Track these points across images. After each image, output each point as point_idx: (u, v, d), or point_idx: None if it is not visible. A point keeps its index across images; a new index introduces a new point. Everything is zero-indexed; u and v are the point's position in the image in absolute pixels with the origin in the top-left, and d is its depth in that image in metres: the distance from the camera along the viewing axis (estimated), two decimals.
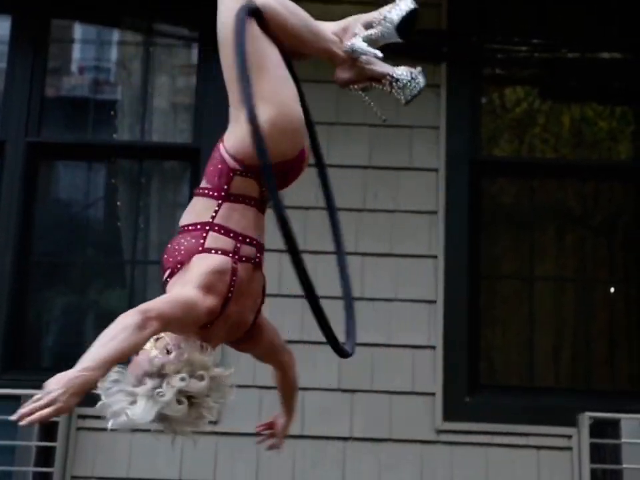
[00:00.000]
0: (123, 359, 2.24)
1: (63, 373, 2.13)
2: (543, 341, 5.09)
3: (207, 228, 2.52)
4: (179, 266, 2.49)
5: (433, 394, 4.67)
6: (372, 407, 4.66)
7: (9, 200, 4.94)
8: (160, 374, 2.32)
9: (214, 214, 2.54)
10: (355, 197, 4.88)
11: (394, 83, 2.70)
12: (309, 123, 2.81)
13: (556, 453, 4.60)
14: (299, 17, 2.66)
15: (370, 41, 2.73)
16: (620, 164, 5.38)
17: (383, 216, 4.86)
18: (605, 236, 5.33)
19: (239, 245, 2.52)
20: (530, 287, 5.15)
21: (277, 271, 4.59)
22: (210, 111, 4.97)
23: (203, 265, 2.45)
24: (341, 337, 2.61)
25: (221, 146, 2.60)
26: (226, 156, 2.57)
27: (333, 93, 4.93)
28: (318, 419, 4.60)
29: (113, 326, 2.27)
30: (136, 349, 2.28)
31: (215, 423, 4.61)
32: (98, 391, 2.32)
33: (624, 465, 4.42)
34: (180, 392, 2.31)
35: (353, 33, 2.77)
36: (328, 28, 2.77)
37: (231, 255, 2.50)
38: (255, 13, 2.54)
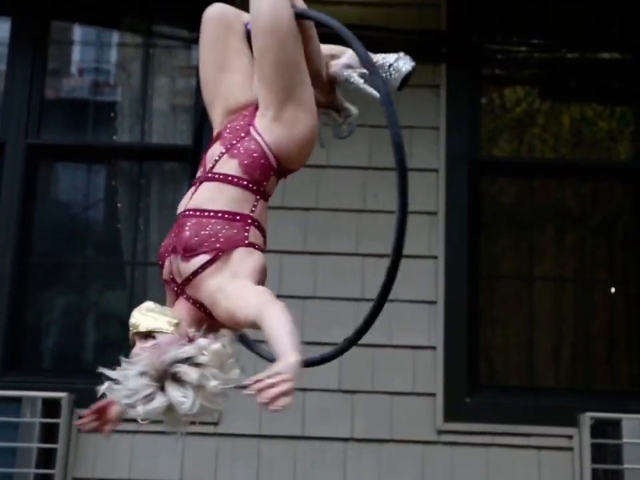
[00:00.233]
0: None
1: (285, 361, 2.09)
2: (543, 341, 5.09)
3: (249, 222, 2.53)
4: (219, 254, 2.45)
5: (434, 394, 4.67)
6: (372, 408, 4.66)
7: (9, 201, 4.94)
8: (194, 363, 2.29)
9: (253, 209, 2.56)
10: (355, 197, 4.88)
11: (346, 118, 2.93)
12: None
13: (557, 453, 4.60)
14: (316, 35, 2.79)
15: (364, 80, 2.83)
16: (619, 164, 5.38)
17: (383, 217, 4.85)
18: (605, 236, 5.33)
19: (265, 242, 2.59)
20: (530, 287, 5.15)
21: (277, 270, 4.60)
22: None
23: (251, 262, 2.45)
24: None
25: (259, 138, 2.62)
26: (269, 153, 2.60)
27: None
28: (318, 419, 4.60)
29: (274, 316, 2.23)
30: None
31: (215, 424, 4.62)
32: (111, 375, 2.31)
33: (625, 465, 4.42)
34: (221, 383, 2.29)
35: (345, 64, 2.79)
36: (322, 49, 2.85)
37: (263, 251, 2.55)
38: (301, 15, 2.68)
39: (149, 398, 2.31)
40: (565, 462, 4.58)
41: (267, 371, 2.05)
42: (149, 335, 2.38)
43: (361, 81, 2.80)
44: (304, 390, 4.49)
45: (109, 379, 2.33)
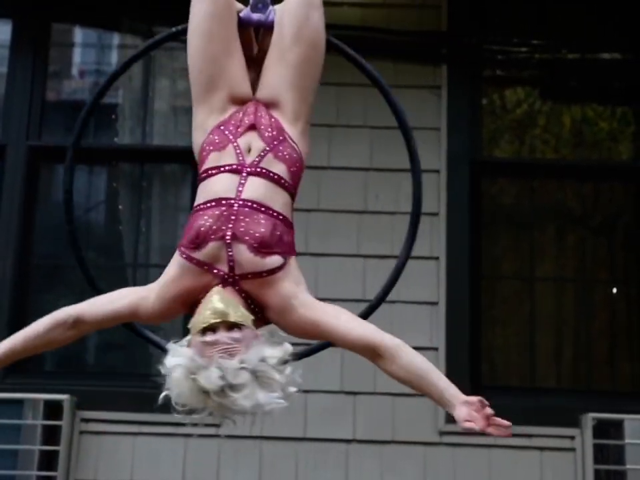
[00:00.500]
0: None
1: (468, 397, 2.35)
2: (544, 342, 5.09)
3: (293, 230, 2.56)
4: (288, 258, 2.47)
5: None
6: (374, 409, 4.66)
7: (10, 203, 4.95)
8: (276, 365, 2.33)
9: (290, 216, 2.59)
10: (356, 198, 4.88)
11: None
12: None
13: (559, 454, 4.60)
14: None
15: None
16: (620, 164, 5.38)
17: (384, 218, 4.86)
18: (606, 236, 5.33)
19: None
20: (531, 288, 5.16)
21: None
22: None
23: (301, 273, 2.50)
24: None
25: (297, 148, 2.63)
26: (303, 166, 2.65)
27: (334, 95, 4.95)
28: (320, 420, 4.60)
29: (415, 352, 2.47)
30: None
31: (217, 426, 4.61)
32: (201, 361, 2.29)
33: (627, 466, 4.42)
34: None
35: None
36: None
37: None
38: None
39: (250, 394, 2.31)
40: (567, 463, 4.58)
41: (471, 407, 2.31)
42: (234, 325, 2.33)
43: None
44: (306, 391, 4.49)
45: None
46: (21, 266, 4.93)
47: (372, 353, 2.49)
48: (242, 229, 2.43)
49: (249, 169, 2.53)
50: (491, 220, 5.21)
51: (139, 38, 5.39)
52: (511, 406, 4.69)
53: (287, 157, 2.58)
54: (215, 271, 2.43)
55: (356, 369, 4.55)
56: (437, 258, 4.83)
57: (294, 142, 2.62)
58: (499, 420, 2.19)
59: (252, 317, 2.37)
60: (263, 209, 2.47)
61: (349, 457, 4.62)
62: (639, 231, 5.20)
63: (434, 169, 4.92)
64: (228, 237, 2.42)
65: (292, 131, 2.64)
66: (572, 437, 4.60)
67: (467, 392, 4.96)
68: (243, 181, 2.51)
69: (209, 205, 2.48)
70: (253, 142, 2.58)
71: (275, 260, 2.44)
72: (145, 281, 5.17)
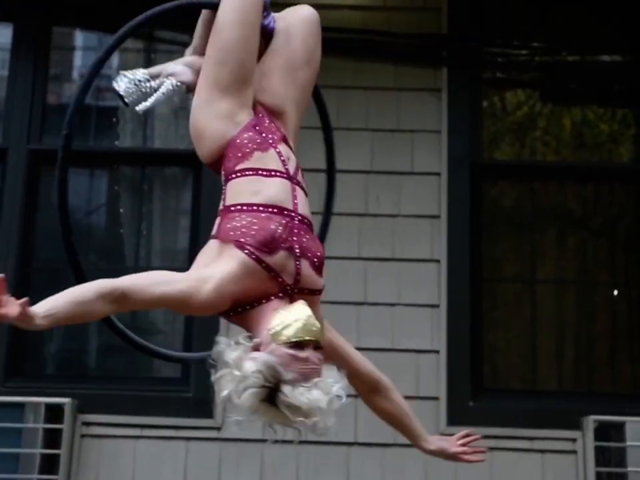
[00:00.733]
0: None
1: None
2: (545, 344, 5.09)
3: None
4: None
5: (437, 398, 4.67)
6: None
7: (11, 207, 4.95)
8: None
9: None
10: (357, 201, 4.88)
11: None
12: None
13: (560, 457, 4.60)
14: None
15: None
16: (621, 166, 5.38)
17: (385, 220, 4.86)
18: (606, 238, 5.33)
19: None
20: (532, 290, 5.16)
21: None
22: None
23: None
24: None
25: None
26: None
27: (334, 98, 4.95)
28: None
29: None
30: None
31: (218, 429, 4.62)
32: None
33: (629, 468, 4.42)
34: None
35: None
36: None
37: None
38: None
39: (329, 417, 2.35)
40: (568, 465, 4.58)
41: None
42: (319, 346, 2.38)
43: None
44: None
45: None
46: (22, 269, 4.93)
47: (373, 385, 2.77)
48: (304, 245, 2.48)
49: (294, 180, 2.58)
50: (492, 222, 5.21)
51: (139, 41, 5.40)
52: (512, 408, 4.70)
53: (303, 183, 2.65)
54: (280, 280, 2.44)
55: None
56: (437, 261, 4.83)
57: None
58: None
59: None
60: (311, 228, 2.56)
61: (350, 459, 4.61)
62: None
63: (434, 171, 4.92)
64: (297, 250, 2.46)
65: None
66: (573, 440, 4.60)
67: (468, 394, 4.98)
68: (295, 193, 2.56)
69: (271, 210, 2.48)
70: (290, 153, 2.64)
71: (322, 281, 2.52)
72: None
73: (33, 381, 4.78)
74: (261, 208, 2.49)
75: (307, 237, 2.50)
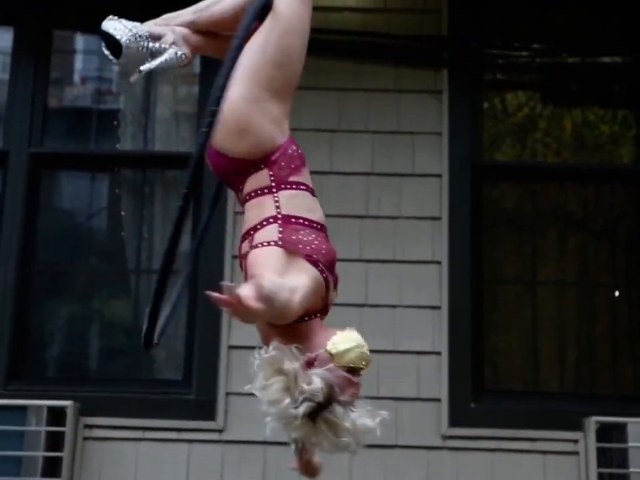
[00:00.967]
0: None
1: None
2: (547, 346, 5.09)
3: None
4: None
5: (439, 400, 4.67)
6: None
7: (13, 210, 4.95)
8: None
9: None
10: (358, 203, 4.89)
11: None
12: None
13: (562, 458, 4.60)
14: None
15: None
16: (621, 167, 5.38)
17: (387, 222, 4.86)
18: (607, 239, 5.33)
19: None
20: (533, 292, 5.16)
21: None
22: None
23: None
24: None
25: None
26: None
27: (335, 101, 4.96)
28: None
29: None
30: None
31: (220, 431, 4.62)
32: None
33: (631, 469, 4.41)
34: None
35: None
36: None
37: None
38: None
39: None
40: (570, 466, 4.58)
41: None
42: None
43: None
44: None
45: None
46: (23, 272, 4.93)
47: None
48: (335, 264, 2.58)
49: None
50: (493, 224, 5.22)
51: None
52: (514, 410, 4.70)
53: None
54: (326, 300, 2.51)
55: None
56: (438, 262, 4.83)
57: None
58: None
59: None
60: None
61: (352, 461, 4.61)
62: None
63: (435, 173, 4.93)
64: (337, 277, 2.57)
65: None
66: (575, 441, 4.60)
67: (469, 396, 4.98)
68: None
69: (325, 232, 2.57)
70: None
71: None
72: (147, 287, 5.21)
73: (35, 384, 4.79)
74: (319, 227, 2.53)
75: None
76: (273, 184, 2.54)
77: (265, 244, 2.45)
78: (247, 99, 2.55)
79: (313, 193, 2.61)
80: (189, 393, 4.72)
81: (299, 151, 2.62)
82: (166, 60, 2.72)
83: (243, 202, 2.59)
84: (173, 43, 2.75)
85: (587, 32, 5.24)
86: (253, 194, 2.55)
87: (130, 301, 5.15)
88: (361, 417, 2.35)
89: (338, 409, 2.31)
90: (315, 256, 2.43)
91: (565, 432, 4.61)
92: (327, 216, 2.64)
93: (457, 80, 5.05)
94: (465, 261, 4.84)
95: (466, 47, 5.14)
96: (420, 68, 5.00)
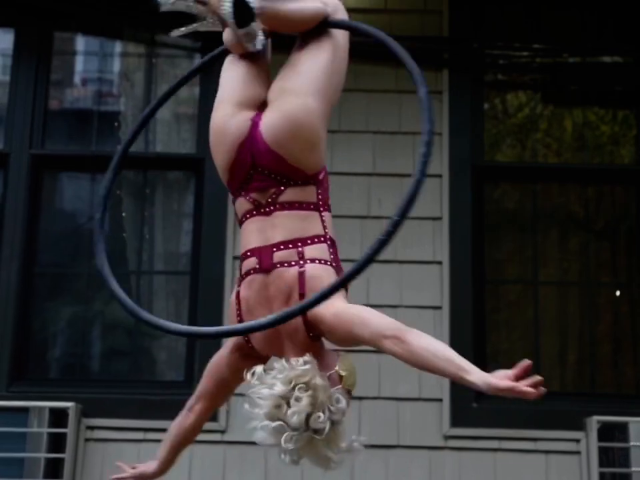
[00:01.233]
0: None
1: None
2: (548, 345, 5.10)
3: None
4: None
5: (440, 400, 4.68)
6: (379, 414, 4.66)
7: (14, 212, 4.96)
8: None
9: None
10: (359, 204, 4.89)
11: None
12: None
13: (564, 457, 4.60)
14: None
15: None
16: (622, 167, 5.38)
17: (387, 223, 4.86)
18: (608, 239, 5.34)
19: (241, 265, 2.61)
20: (534, 291, 5.16)
21: None
22: None
23: None
24: None
25: None
26: None
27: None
28: None
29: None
30: None
31: (222, 432, 4.62)
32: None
33: (632, 468, 4.42)
34: None
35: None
36: None
37: (238, 280, 2.61)
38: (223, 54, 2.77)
39: None
40: (572, 466, 4.58)
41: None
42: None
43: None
44: None
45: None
46: (25, 274, 4.93)
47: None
48: None
49: None
50: (494, 224, 5.22)
51: (141, 46, 5.41)
52: (516, 409, 4.70)
53: None
54: None
55: (360, 373, 4.54)
56: (440, 262, 4.84)
57: None
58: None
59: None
60: None
61: (354, 461, 4.61)
62: None
63: (436, 173, 4.93)
64: None
65: None
66: (577, 440, 4.60)
67: (471, 396, 4.98)
68: None
69: None
70: None
71: None
72: (149, 288, 5.22)
73: (37, 386, 4.79)
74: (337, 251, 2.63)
75: None
76: (321, 202, 2.60)
77: (323, 262, 2.54)
78: (321, 115, 2.58)
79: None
80: (190, 394, 4.70)
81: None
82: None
83: (268, 204, 2.57)
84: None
85: (588, 32, 5.25)
86: (296, 204, 2.57)
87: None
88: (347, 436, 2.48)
89: (340, 428, 2.45)
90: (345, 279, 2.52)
91: (566, 431, 4.61)
92: (323, 199, 2.66)
93: (458, 80, 5.06)
94: (466, 261, 4.85)
95: (466, 48, 5.14)
96: (421, 68, 5.00)
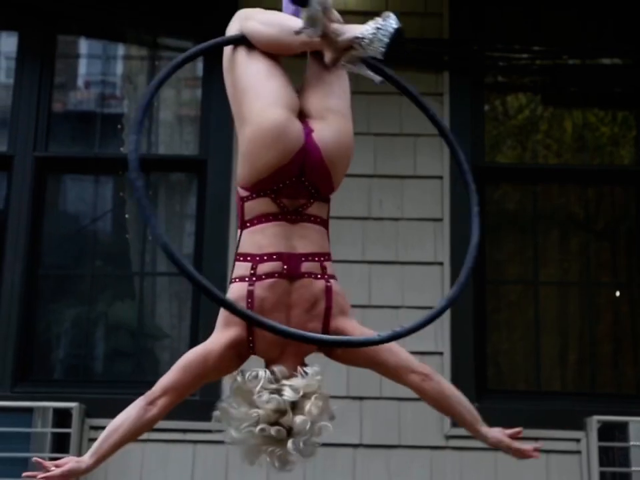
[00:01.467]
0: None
1: None
2: (549, 345, 5.11)
3: (234, 260, 2.68)
4: None
5: None
6: (381, 414, 4.68)
7: (18, 214, 4.98)
8: None
9: (238, 244, 2.68)
10: (360, 205, 4.91)
11: (362, 43, 2.52)
12: None
13: (564, 457, 4.61)
14: (274, 26, 2.67)
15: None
16: (622, 168, 5.39)
17: (389, 224, 4.89)
18: (608, 240, 5.35)
19: (255, 266, 2.60)
20: (535, 292, 5.17)
21: None
22: (215, 123, 5.01)
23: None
24: None
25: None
26: (238, 188, 2.69)
27: None
28: None
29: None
30: None
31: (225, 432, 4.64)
32: None
33: (633, 468, 4.43)
34: None
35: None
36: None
37: (247, 278, 2.59)
38: (242, 41, 2.69)
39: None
40: (572, 465, 4.60)
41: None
42: None
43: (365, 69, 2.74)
44: None
45: None
46: (29, 276, 4.96)
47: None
48: None
49: None
50: (495, 225, 5.24)
51: (143, 48, 5.43)
52: (516, 409, 4.72)
53: None
54: None
55: (361, 374, 4.56)
56: (441, 263, 4.86)
57: None
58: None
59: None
60: None
61: (356, 461, 4.64)
62: None
63: (437, 175, 4.95)
64: None
65: None
66: (577, 440, 4.62)
67: (471, 396, 4.98)
68: None
69: None
70: None
71: None
72: (152, 289, 5.24)
73: (41, 386, 4.81)
74: None
75: None
76: (327, 220, 2.70)
77: (336, 279, 2.66)
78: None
79: None
80: (193, 394, 4.72)
81: None
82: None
83: (294, 213, 2.62)
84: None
85: (587, 34, 5.26)
86: (318, 219, 2.66)
87: (135, 303, 5.18)
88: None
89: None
90: None
91: (567, 431, 4.63)
92: (329, 218, 2.69)
93: (458, 82, 5.07)
94: None
95: (467, 50, 5.16)
96: (421, 71, 5.03)
